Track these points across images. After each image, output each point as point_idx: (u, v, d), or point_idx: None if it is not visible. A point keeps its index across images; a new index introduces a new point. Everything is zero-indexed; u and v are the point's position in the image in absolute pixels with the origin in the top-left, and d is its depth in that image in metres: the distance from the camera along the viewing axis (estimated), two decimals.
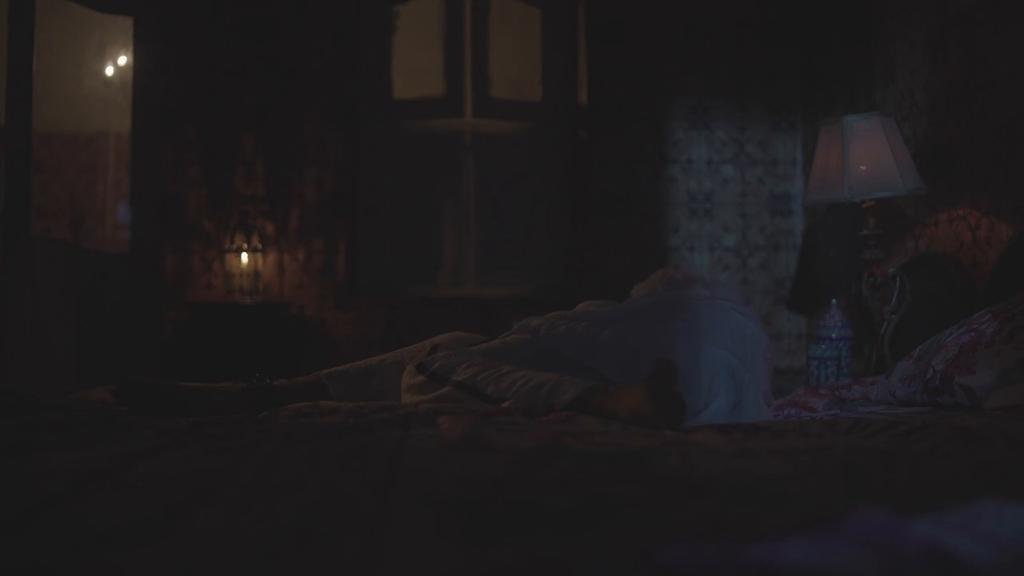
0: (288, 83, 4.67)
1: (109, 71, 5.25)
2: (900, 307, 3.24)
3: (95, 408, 1.94)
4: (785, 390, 3.42)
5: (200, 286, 4.65)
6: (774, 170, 4.68)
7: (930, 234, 3.39)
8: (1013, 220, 2.88)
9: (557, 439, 1.30)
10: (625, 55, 4.67)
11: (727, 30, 4.67)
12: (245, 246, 4.53)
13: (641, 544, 0.77)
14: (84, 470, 1.09)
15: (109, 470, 1.10)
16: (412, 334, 4.31)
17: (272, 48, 4.67)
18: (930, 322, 2.97)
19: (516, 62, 5.02)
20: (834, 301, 3.57)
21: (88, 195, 5.53)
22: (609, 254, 4.59)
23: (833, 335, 3.45)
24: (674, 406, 1.67)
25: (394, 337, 4.53)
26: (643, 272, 2.84)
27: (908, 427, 1.52)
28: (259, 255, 4.56)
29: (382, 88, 4.91)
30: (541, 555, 0.75)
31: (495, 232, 4.89)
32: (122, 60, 5.11)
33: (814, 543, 0.78)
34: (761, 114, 4.68)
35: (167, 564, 0.76)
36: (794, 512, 0.87)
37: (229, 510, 0.91)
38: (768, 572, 0.71)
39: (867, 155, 3.17)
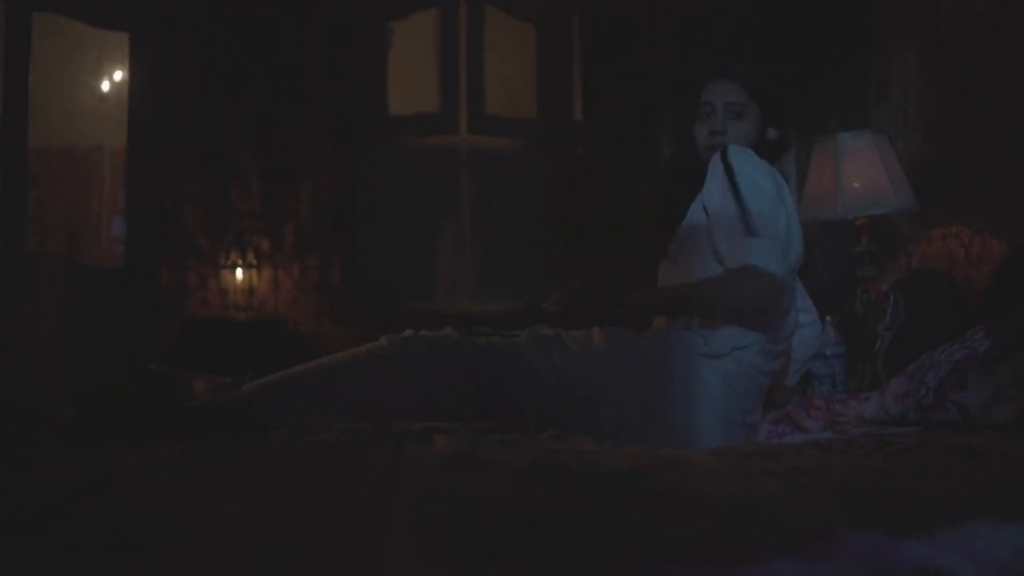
0: (284, 99, 4.68)
1: (105, 86, 5.27)
2: (894, 324, 3.25)
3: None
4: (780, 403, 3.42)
5: (196, 301, 4.65)
6: None
7: (923, 251, 3.40)
8: (1006, 237, 2.89)
9: (552, 458, 1.30)
10: (620, 72, 4.69)
11: (723, 46, 4.69)
12: (240, 262, 4.53)
13: (640, 563, 0.77)
14: (83, 480, 1.09)
15: (109, 481, 1.10)
16: None
17: (268, 64, 4.69)
18: (924, 339, 2.97)
19: (511, 78, 5.04)
20: (828, 318, 3.57)
21: (84, 210, 5.53)
22: (605, 270, 4.59)
23: (828, 352, 3.45)
24: None
25: None
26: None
27: (903, 446, 1.52)
28: (254, 271, 4.56)
29: (378, 104, 4.92)
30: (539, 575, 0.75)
31: (491, 248, 4.90)
32: (118, 75, 5.12)
33: (811, 562, 0.78)
34: None
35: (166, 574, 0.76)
36: (791, 531, 0.87)
37: (228, 522, 0.91)
38: None
39: (860, 172, 3.19)
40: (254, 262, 4.56)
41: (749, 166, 2.16)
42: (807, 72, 4.53)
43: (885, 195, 3.15)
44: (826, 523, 0.91)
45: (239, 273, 4.52)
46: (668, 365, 2.14)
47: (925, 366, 2.31)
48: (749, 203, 2.12)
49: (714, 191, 2.17)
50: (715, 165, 2.19)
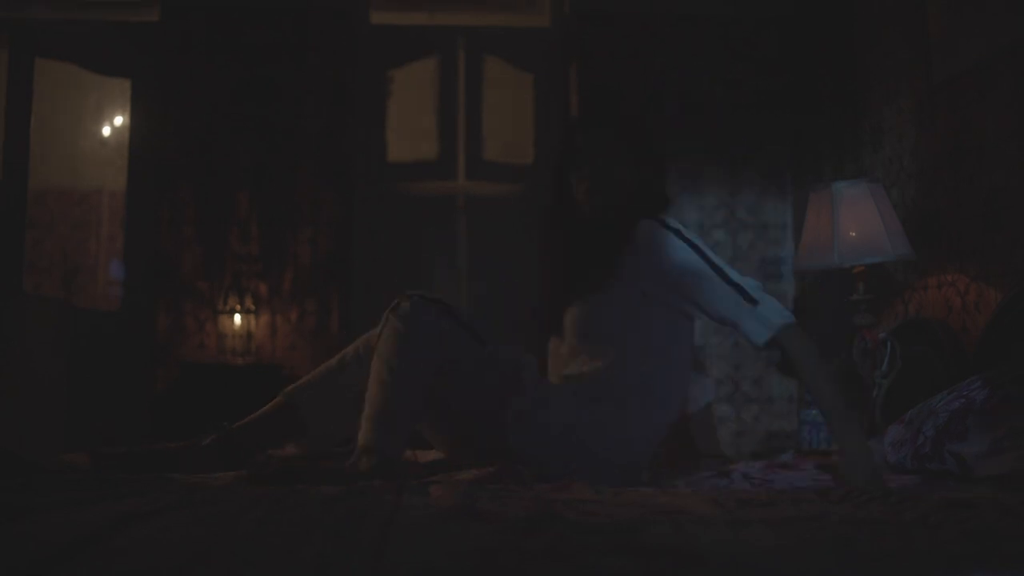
0: (283, 144, 4.72)
1: (106, 131, 5.31)
2: (891, 372, 3.25)
3: (84, 471, 1.93)
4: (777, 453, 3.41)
5: (192, 346, 4.64)
6: (765, 234, 4.72)
7: (919, 299, 3.41)
8: (1001, 286, 2.90)
9: (549, 508, 1.30)
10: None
11: (718, 94, 4.74)
12: (238, 307, 4.54)
13: None
14: (77, 534, 1.08)
15: (102, 534, 1.09)
16: None
17: (268, 110, 4.72)
18: (921, 387, 2.97)
19: (509, 126, 5.08)
20: None
21: (81, 252, 5.55)
22: None
23: None
24: None
25: None
26: None
27: (901, 496, 1.52)
28: (252, 316, 4.56)
29: (377, 151, 4.96)
30: None
31: (488, 293, 4.91)
32: (118, 120, 5.16)
33: None
34: (752, 179, 4.73)
35: None
36: None
37: (225, 573, 0.91)
38: None
39: (856, 221, 3.21)
40: (252, 307, 4.56)
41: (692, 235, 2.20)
42: (802, 122, 4.58)
43: (881, 243, 3.17)
44: (825, 574, 0.91)
45: (237, 318, 4.52)
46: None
47: (923, 414, 2.31)
48: (726, 269, 2.15)
49: (676, 263, 2.14)
50: (659, 237, 2.16)
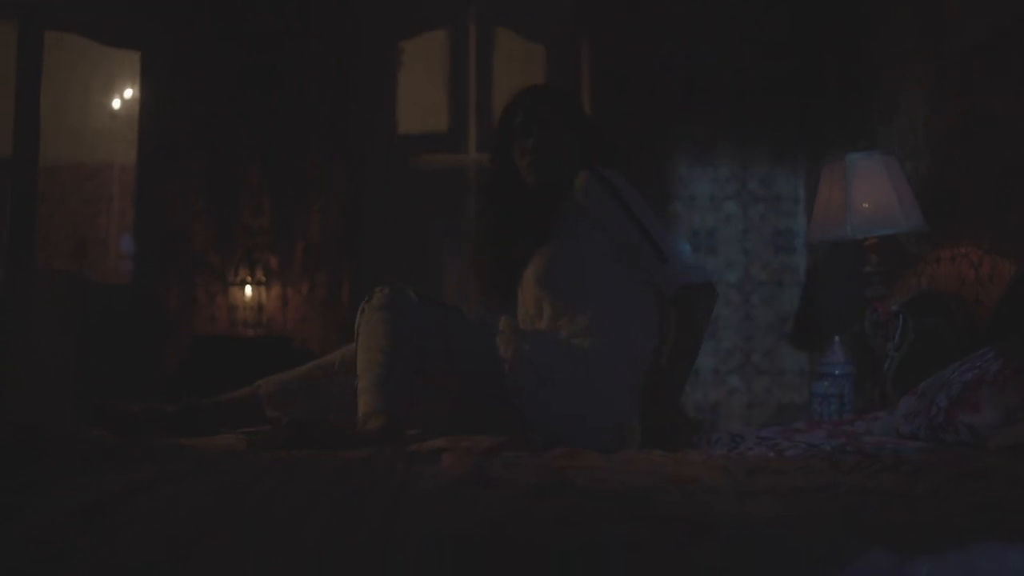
0: (293, 116, 4.70)
1: (116, 104, 5.30)
2: (903, 344, 3.24)
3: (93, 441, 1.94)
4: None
5: (203, 318, 4.66)
6: (777, 207, 4.70)
7: (932, 271, 3.39)
8: (1015, 259, 2.88)
9: (559, 476, 1.30)
10: (629, 93, 4.70)
11: (731, 66, 4.70)
12: (249, 279, 4.54)
13: None
14: (81, 506, 1.08)
15: (107, 506, 1.09)
16: None
17: (278, 82, 4.71)
18: (933, 359, 2.96)
19: None
20: (837, 338, 3.56)
21: (92, 226, 5.56)
22: None
23: (836, 372, 3.45)
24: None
25: None
26: None
27: (912, 466, 1.51)
28: (263, 288, 4.57)
29: (387, 122, 4.94)
30: None
31: None
32: (128, 93, 5.15)
33: None
34: (764, 151, 4.69)
35: None
36: (797, 554, 0.86)
37: (231, 549, 0.91)
38: None
39: (870, 192, 3.18)
40: (263, 279, 4.57)
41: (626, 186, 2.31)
42: (815, 93, 4.54)
43: (894, 215, 3.14)
44: (829, 545, 0.90)
45: (248, 290, 4.53)
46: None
47: (936, 386, 2.30)
48: (645, 221, 2.26)
49: (601, 211, 2.27)
50: (589, 185, 2.27)
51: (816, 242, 3.91)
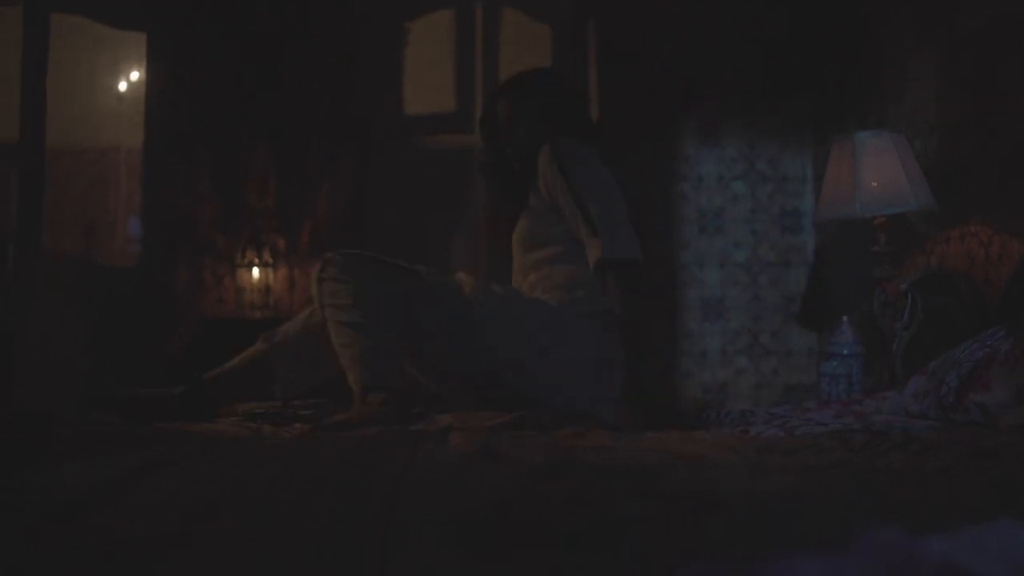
0: (299, 97, 4.69)
1: (122, 86, 5.29)
2: (912, 323, 3.23)
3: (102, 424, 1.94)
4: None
5: (211, 301, 4.66)
6: (784, 187, 4.67)
7: (942, 251, 3.38)
8: None
9: (568, 454, 1.30)
10: (635, 73, 4.67)
11: (737, 46, 4.67)
12: (256, 261, 4.54)
13: (653, 564, 0.76)
14: (85, 490, 1.08)
15: (111, 490, 1.09)
16: None
17: (284, 63, 4.70)
18: (942, 339, 2.95)
19: None
20: (845, 318, 3.55)
21: (99, 209, 5.55)
22: None
23: (844, 352, 3.43)
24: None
25: None
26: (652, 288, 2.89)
27: (922, 445, 1.51)
28: (270, 270, 4.57)
29: (393, 103, 4.93)
30: (551, 574, 0.74)
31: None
32: (135, 76, 5.14)
33: (829, 562, 0.77)
34: (772, 131, 4.67)
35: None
36: (808, 530, 0.86)
37: (236, 529, 0.91)
38: None
39: (878, 171, 3.17)
40: (270, 261, 4.57)
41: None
42: (823, 72, 4.52)
43: (903, 194, 3.13)
44: (841, 522, 0.90)
45: (255, 272, 4.53)
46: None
47: (946, 365, 2.29)
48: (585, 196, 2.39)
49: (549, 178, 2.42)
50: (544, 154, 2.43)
51: (825, 221, 3.89)
